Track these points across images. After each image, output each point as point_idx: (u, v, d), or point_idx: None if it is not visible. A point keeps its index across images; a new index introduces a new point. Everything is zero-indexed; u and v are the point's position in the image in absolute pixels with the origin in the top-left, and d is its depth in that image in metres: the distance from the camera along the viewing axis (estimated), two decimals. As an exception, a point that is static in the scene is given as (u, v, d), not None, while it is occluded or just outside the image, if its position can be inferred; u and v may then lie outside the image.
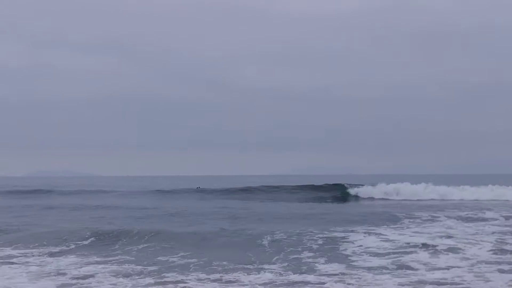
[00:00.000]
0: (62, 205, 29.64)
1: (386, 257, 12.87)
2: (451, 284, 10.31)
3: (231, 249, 14.40)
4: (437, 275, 11.00)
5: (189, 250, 14.12)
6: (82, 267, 12.28)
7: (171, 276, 11.22)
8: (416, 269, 11.57)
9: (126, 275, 11.34)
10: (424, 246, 14.00)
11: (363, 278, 10.74)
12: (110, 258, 13.41)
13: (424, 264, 12.08)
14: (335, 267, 11.81)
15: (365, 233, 16.53)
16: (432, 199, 34.42)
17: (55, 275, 11.39)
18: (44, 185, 57.95)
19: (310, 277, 10.87)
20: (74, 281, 10.84)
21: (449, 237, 15.60)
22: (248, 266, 12.04)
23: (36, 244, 15.33)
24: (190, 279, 10.89)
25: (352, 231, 16.79)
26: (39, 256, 13.83)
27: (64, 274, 11.53)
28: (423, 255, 12.97)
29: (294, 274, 11.18)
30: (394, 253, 13.31)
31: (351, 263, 12.38)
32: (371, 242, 14.80)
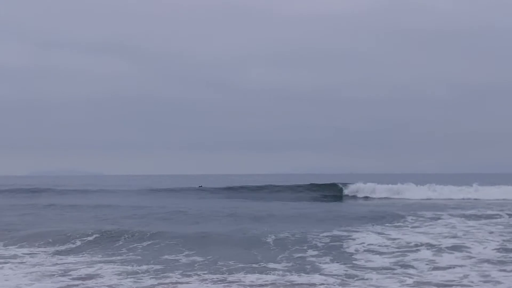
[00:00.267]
0: (65, 204, 29.67)
1: (391, 256, 12.83)
2: (457, 285, 10.22)
3: (235, 248, 14.37)
4: (442, 275, 10.91)
5: (193, 249, 14.11)
6: (87, 266, 12.27)
7: (175, 275, 11.19)
8: (421, 270, 11.49)
9: (131, 275, 11.32)
10: (428, 245, 13.97)
11: (368, 280, 10.67)
12: (115, 258, 13.41)
13: (429, 263, 12.01)
14: (339, 267, 11.77)
15: (368, 232, 16.52)
16: (435, 199, 34.37)
17: (59, 275, 11.38)
18: (47, 184, 58.08)
19: (315, 279, 10.77)
20: (78, 282, 10.81)
21: (453, 236, 15.58)
22: (254, 265, 12.04)
23: (41, 244, 15.35)
24: (195, 279, 10.85)
25: (355, 231, 16.78)
26: (43, 255, 13.84)
27: (69, 273, 11.52)
28: (427, 254, 12.93)
29: (298, 275, 11.12)
30: (398, 252, 13.28)
31: (354, 261, 12.37)
32: (375, 241, 14.75)
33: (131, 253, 13.96)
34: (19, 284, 10.62)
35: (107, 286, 10.43)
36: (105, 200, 33.38)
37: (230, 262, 12.45)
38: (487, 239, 14.89)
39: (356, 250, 13.69)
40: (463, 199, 33.70)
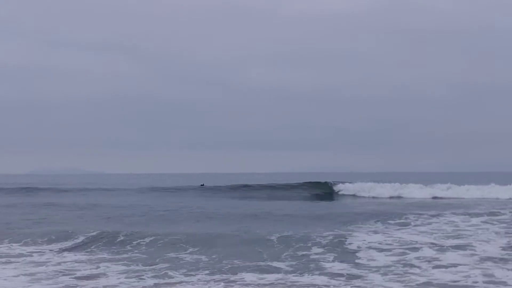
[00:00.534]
0: (66, 203, 29.65)
1: (393, 256, 12.80)
2: (461, 284, 10.19)
3: (239, 247, 14.34)
4: (446, 274, 10.88)
5: (198, 248, 14.11)
6: (91, 265, 12.28)
7: (179, 275, 11.17)
8: (424, 269, 11.45)
9: (135, 274, 11.31)
10: (431, 243, 13.96)
11: (371, 280, 10.62)
12: (118, 256, 13.42)
13: (432, 262, 11.98)
14: (342, 267, 11.73)
15: (370, 230, 16.52)
16: (437, 197, 34.35)
17: (63, 274, 11.37)
18: (48, 183, 58.07)
19: (318, 280, 10.69)
20: (83, 281, 10.80)
21: (456, 234, 15.57)
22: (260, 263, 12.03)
23: (44, 243, 15.35)
24: (199, 279, 10.83)
25: (357, 230, 16.78)
26: (46, 254, 13.84)
27: (73, 273, 11.53)
28: (430, 253, 12.92)
29: (302, 275, 11.07)
30: (401, 251, 13.25)
31: (357, 260, 12.36)
32: (377, 239, 14.74)
33: (134, 253, 13.93)
34: (20, 284, 10.62)
35: (112, 285, 10.42)
36: (106, 199, 33.37)
37: (235, 261, 12.45)
38: (490, 238, 14.88)
39: (359, 247, 13.67)
40: (467, 198, 33.66)
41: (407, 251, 13.20)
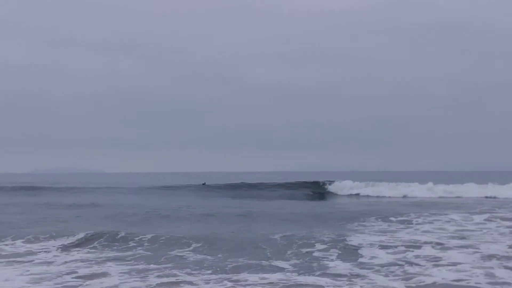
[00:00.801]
0: (67, 202, 29.67)
1: (396, 254, 12.78)
2: (463, 283, 10.16)
3: (242, 246, 14.33)
4: (449, 274, 10.84)
5: (200, 247, 14.09)
6: (93, 264, 12.25)
7: (183, 274, 11.13)
8: (427, 268, 11.41)
9: (137, 273, 11.27)
10: (433, 243, 13.93)
11: (374, 279, 10.60)
12: (121, 254, 13.41)
13: (434, 261, 11.95)
14: (345, 266, 11.70)
15: (373, 230, 16.52)
16: (438, 197, 34.36)
17: (65, 273, 11.34)
18: (49, 182, 58.10)
19: (321, 280, 10.64)
20: (85, 280, 10.78)
21: (458, 233, 15.57)
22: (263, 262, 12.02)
23: (45, 242, 15.32)
24: (203, 279, 10.78)
25: (359, 228, 16.78)
26: (49, 253, 13.82)
27: (76, 272, 11.50)
28: (433, 252, 12.89)
29: (305, 274, 11.04)
30: (403, 250, 13.23)
31: (360, 259, 12.33)
32: (380, 239, 14.72)
33: (139, 249, 13.94)
34: (22, 283, 10.60)
35: (114, 285, 10.39)
36: (107, 198, 33.38)
37: (239, 259, 12.43)
38: (493, 237, 14.87)
39: (361, 246, 13.64)
40: (468, 197, 33.66)
41: (409, 250, 13.18)
